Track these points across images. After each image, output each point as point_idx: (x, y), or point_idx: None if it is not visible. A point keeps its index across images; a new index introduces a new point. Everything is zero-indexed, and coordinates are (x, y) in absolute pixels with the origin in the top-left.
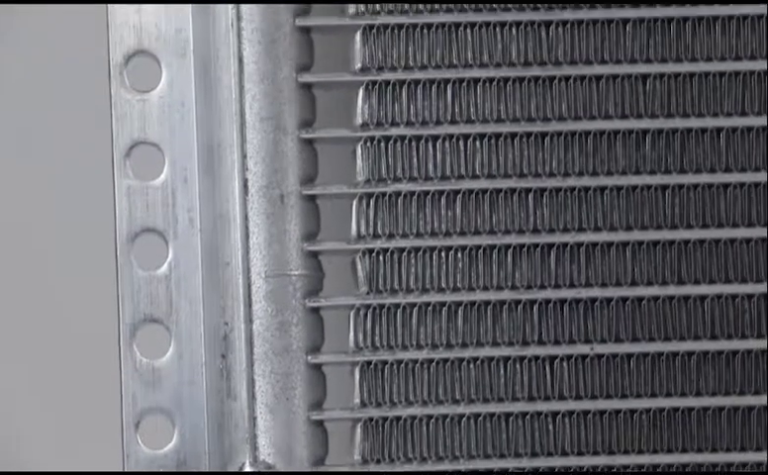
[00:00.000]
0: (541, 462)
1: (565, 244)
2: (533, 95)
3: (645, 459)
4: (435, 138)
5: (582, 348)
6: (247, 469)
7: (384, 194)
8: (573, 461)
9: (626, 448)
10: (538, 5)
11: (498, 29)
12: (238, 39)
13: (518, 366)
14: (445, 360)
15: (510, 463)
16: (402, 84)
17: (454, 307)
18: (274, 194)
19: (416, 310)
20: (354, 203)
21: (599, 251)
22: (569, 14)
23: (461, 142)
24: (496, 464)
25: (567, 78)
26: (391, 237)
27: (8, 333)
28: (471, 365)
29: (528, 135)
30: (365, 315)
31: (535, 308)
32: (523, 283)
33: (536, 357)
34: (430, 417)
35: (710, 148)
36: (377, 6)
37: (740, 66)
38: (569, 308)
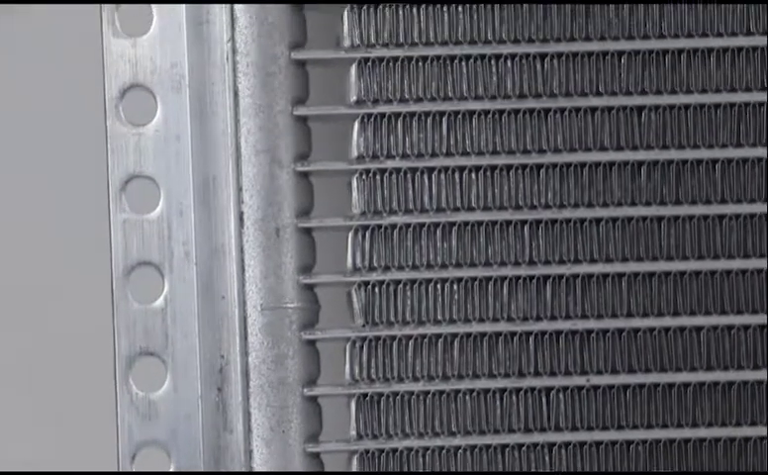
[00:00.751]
0: None
1: (561, 276)
2: (529, 127)
3: None
4: (431, 170)
5: (578, 380)
6: None
7: (380, 226)
8: None
9: None
10: (533, 38)
11: (493, 61)
12: (233, 72)
13: (514, 398)
14: (441, 392)
15: None
16: (397, 117)
17: (450, 339)
18: (270, 227)
19: (412, 342)
20: (350, 235)
21: (595, 283)
22: (564, 46)
23: (457, 175)
24: None
25: (562, 110)
26: (387, 269)
27: (4, 368)
28: (467, 397)
29: (524, 166)
30: (361, 347)
31: (531, 339)
32: (519, 315)
33: (533, 389)
34: (426, 449)
35: (705, 180)
36: (372, 38)
37: (736, 98)
38: (565, 339)
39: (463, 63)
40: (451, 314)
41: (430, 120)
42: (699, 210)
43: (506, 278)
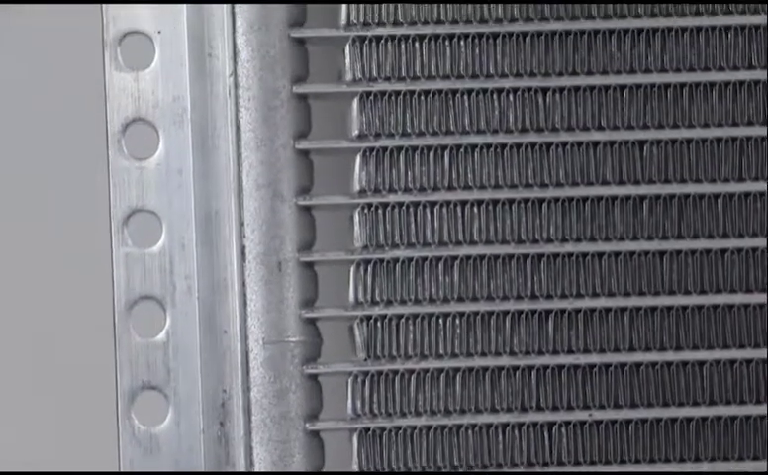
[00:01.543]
0: None
1: (563, 310)
2: (531, 161)
3: None
4: (433, 204)
5: (580, 414)
6: None
7: (382, 260)
8: None
9: None
10: (535, 72)
11: (495, 95)
12: (235, 106)
13: (516, 432)
14: (444, 427)
15: None
16: (399, 150)
17: (452, 373)
18: (272, 261)
19: (414, 376)
20: (352, 269)
21: (597, 317)
22: (566, 80)
23: (459, 209)
24: None
25: (564, 144)
26: (389, 303)
27: (7, 404)
28: (469, 431)
29: (526, 201)
30: (363, 381)
31: (534, 374)
32: (521, 349)
33: (535, 423)
34: None
35: (707, 214)
36: (374, 72)
37: (737, 132)
38: (567, 374)
39: (465, 97)
40: (454, 348)
41: (432, 154)
42: (701, 244)
43: (508, 312)
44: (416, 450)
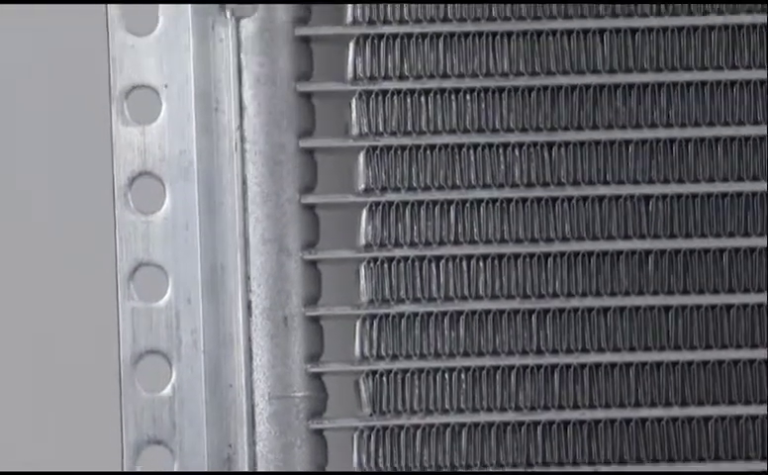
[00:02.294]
0: None
1: (569, 366)
2: (536, 216)
3: None
4: (439, 258)
5: (586, 470)
6: None
7: (387, 315)
8: None
9: None
10: (541, 126)
11: (501, 149)
12: (241, 161)
13: None
14: None
15: None
16: (405, 205)
17: (458, 428)
18: (278, 316)
19: (419, 431)
20: (358, 324)
21: (602, 372)
22: (572, 135)
23: (464, 263)
24: None
25: (570, 199)
26: (394, 358)
27: (7, 404)
28: None
29: (531, 255)
30: (369, 436)
31: (540, 429)
32: (526, 404)
33: None
34: None
35: (713, 269)
36: (380, 127)
37: (743, 187)
38: (573, 429)
39: (471, 152)
40: (459, 403)
41: (437, 208)
42: (706, 299)
43: (514, 367)
44: None
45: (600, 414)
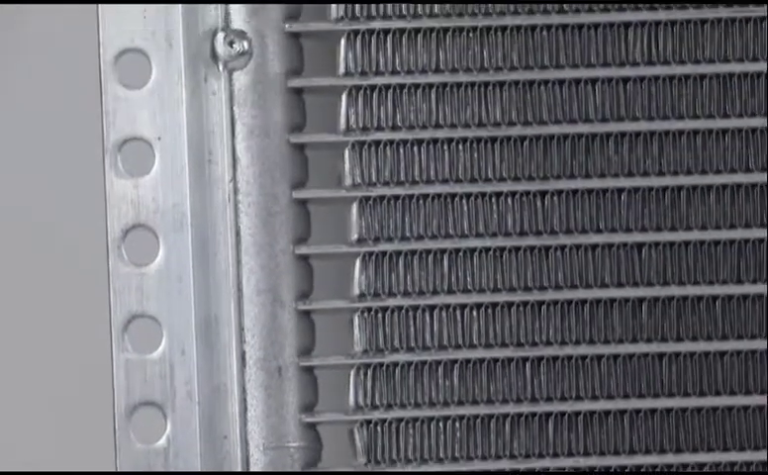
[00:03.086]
0: None
1: (563, 413)
2: (530, 264)
3: None
4: (433, 307)
5: None
6: None
7: (382, 364)
8: None
9: None
10: (533, 175)
11: (494, 199)
12: (234, 212)
13: None
14: None
15: None
16: (398, 255)
17: None
18: (272, 366)
19: None
20: (352, 373)
21: (596, 420)
22: (564, 184)
23: (458, 312)
24: None
25: (563, 247)
26: (389, 407)
27: (7, 404)
28: None
29: (525, 304)
30: None
31: None
32: (521, 452)
33: None
34: None
35: (706, 316)
36: (373, 177)
37: (735, 234)
38: None
39: (464, 201)
40: (454, 452)
41: (431, 258)
42: (700, 346)
43: (508, 415)
44: None
45: (594, 461)
